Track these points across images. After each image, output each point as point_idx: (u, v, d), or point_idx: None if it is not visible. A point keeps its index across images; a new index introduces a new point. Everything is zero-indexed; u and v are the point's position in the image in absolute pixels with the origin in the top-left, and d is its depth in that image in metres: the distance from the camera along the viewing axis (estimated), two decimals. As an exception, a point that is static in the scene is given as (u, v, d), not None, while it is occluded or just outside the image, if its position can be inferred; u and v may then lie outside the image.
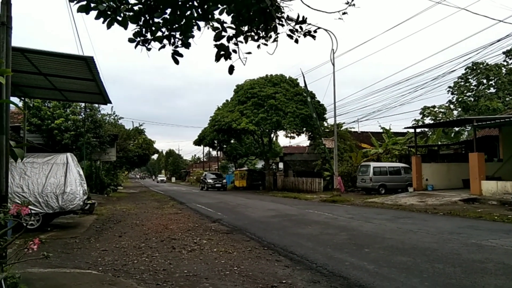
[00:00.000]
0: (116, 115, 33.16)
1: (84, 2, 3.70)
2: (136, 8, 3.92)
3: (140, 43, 4.16)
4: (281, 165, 42.33)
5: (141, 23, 4.01)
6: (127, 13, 3.89)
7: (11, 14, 4.18)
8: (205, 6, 3.94)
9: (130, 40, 4.12)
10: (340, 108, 35.12)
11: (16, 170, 9.48)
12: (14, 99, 13.11)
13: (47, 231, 9.83)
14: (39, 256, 3.41)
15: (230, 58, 4.26)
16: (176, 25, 4.05)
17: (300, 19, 4.33)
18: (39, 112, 21.83)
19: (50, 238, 8.78)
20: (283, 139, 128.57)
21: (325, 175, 29.26)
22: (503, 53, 30.49)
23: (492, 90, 30.94)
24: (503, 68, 31.13)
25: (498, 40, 20.90)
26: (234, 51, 4.29)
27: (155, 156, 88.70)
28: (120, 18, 3.85)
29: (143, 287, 5.07)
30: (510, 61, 31.61)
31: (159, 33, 4.12)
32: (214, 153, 63.55)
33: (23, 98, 13.23)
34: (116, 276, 5.54)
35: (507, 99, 30.04)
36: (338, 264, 6.21)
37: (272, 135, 36.56)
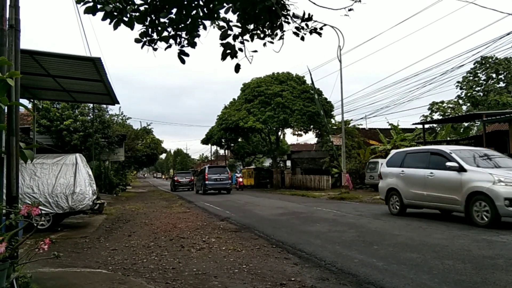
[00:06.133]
0: (124, 115, 33.49)
1: (91, 4, 3.73)
2: (142, 8, 3.95)
3: (147, 43, 4.19)
4: (288, 163, 42.32)
5: (147, 23, 4.03)
6: (133, 14, 3.91)
7: (19, 16, 4.22)
8: (211, 5, 3.95)
9: (137, 41, 4.14)
10: (347, 104, 34.99)
11: (26, 171, 9.59)
12: (24, 101, 13.28)
13: (58, 231, 9.94)
14: (49, 256, 3.46)
15: (236, 57, 4.27)
16: (182, 25, 4.06)
17: (306, 16, 4.32)
18: (48, 113, 22.07)
19: (60, 238, 8.88)
20: (290, 137, 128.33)
21: (333, 173, 29.17)
22: (513, 46, 30.10)
23: (501, 84, 30.56)
24: (512, 62, 30.73)
25: (508, 34, 20.63)
26: (240, 49, 4.29)
27: (163, 156, 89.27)
28: (126, 19, 3.87)
29: (153, 285, 5.10)
30: (519, 55, 31.17)
31: (165, 33, 4.14)
32: (221, 151, 63.64)
33: (32, 100, 13.38)
34: (125, 275, 5.58)
35: (517, 93, 29.65)
36: (347, 261, 6.20)
37: (280, 133, 36.55)
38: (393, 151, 13.18)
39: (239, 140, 41.68)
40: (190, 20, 3.99)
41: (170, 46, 4.25)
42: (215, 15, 4.04)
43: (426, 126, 27.61)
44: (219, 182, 26.57)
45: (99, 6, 3.74)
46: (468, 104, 31.74)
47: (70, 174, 10.10)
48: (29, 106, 13.80)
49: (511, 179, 8.66)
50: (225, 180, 26.79)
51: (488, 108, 27.13)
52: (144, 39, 4.15)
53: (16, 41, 4.16)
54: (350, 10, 4.39)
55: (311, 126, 32.51)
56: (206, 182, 26.36)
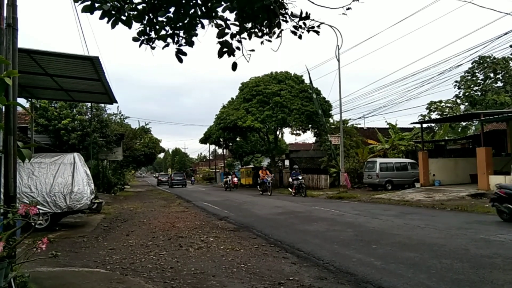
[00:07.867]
0: (122, 115, 33.34)
1: (89, 2, 3.72)
2: (140, 7, 3.93)
3: (144, 42, 4.17)
4: (287, 162, 42.27)
5: (145, 22, 4.01)
6: (131, 13, 3.89)
7: (17, 15, 4.20)
8: (209, 4, 3.94)
9: (134, 39, 4.13)
10: (346, 104, 35.10)
11: (24, 170, 9.56)
12: (21, 100, 13.20)
13: (55, 230, 9.92)
14: (47, 255, 3.45)
15: (233, 55, 4.26)
16: (180, 24, 4.05)
17: (304, 15, 4.32)
18: (46, 112, 22.00)
19: (58, 237, 8.87)
20: (288, 136, 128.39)
21: (331, 172, 29.18)
22: (511, 46, 30.11)
23: (499, 84, 30.60)
24: (510, 61, 30.78)
25: (505, 33, 20.62)
26: (238, 48, 4.28)
27: (161, 155, 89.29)
28: (124, 18, 3.86)
29: (151, 285, 5.10)
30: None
31: (163, 32, 4.12)
32: (220, 151, 63.57)
33: (30, 99, 13.32)
34: (124, 275, 5.57)
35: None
36: (345, 260, 6.21)
37: (278, 132, 36.51)
38: None
39: (238, 139, 41.67)
40: (188, 19, 3.98)
41: (168, 45, 4.23)
42: (213, 14, 4.03)
43: (424, 125, 27.62)
44: (179, 180, 45.84)
45: (96, 5, 3.72)
46: (466, 104, 31.79)
47: (68, 173, 10.08)
48: (27, 105, 13.75)
49: None
50: (183, 179, 46.83)
51: (486, 108, 27.17)
52: (142, 38, 4.13)
53: (14, 40, 4.14)
54: (348, 9, 4.38)
55: (310, 126, 32.53)
56: (172, 180, 45.85)
